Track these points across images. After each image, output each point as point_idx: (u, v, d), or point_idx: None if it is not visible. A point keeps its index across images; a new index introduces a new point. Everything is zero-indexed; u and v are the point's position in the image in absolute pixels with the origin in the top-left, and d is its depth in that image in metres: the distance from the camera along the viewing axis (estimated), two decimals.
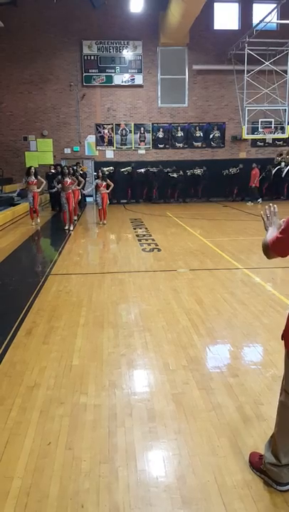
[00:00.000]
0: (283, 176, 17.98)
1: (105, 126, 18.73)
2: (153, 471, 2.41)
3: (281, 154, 18.72)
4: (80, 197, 13.24)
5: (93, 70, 18.16)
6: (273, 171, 18.12)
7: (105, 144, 18.85)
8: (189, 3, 13.90)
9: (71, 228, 11.05)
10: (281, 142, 19.21)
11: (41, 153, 18.46)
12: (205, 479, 2.33)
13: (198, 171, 18.39)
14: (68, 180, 11.02)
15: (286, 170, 17.95)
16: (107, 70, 18.21)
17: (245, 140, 18.76)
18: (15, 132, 18.32)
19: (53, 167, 15.71)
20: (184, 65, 18.59)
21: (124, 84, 18.38)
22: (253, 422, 2.82)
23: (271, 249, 2.08)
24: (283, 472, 2.26)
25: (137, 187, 18.15)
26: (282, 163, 18.17)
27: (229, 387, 3.27)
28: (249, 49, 16.00)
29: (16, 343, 4.14)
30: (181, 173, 18.11)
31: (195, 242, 9.16)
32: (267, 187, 18.20)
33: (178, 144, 19.12)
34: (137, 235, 10.27)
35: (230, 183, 18.41)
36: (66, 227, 11.03)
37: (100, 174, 11.86)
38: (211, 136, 19.21)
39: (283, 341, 2.18)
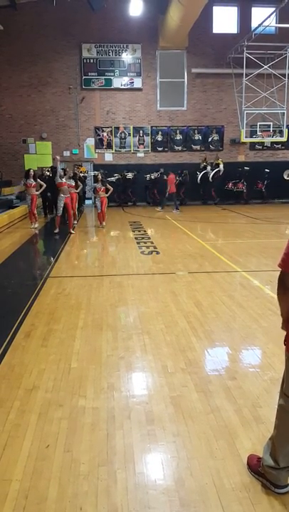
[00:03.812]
0: (211, 179, 17.89)
1: (104, 129, 18.76)
2: (151, 473, 2.42)
3: (205, 158, 18.73)
4: (77, 200, 13.04)
5: (92, 73, 18.20)
6: (200, 176, 18.02)
7: (104, 146, 18.87)
8: (188, 7, 13.95)
9: (72, 231, 10.96)
10: (280, 145, 19.27)
11: (40, 155, 18.46)
12: (203, 482, 2.34)
13: (129, 175, 17.95)
14: (67, 182, 10.81)
15: (212, 173, 17.87)
16: (106, 73, 18.25)
17: (244, 143, 18.80)
18: (14, 135, 18.33)
19: (48, 169, 15.55)
20: (182, 69, 18.64)
21: (123, 87, 18.42)
22: (251, 425, 2.83)
23: (285, 271, 2.08)
24: (281, 475, 2.27)
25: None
26: (208, 168, 18.13)
27: (227, 390, 3.28)
28: (248, 53, 16.05)
29: (14, 345, 4.14)
30: (118, 176, 17.72)
31: (193, 245, 9.17)
32: (184, 191, 17.98)
33: (177, 147, 19.16)
34: (136, 238, 10.28)
35: (153, 187, 17.95)
36: (56, 231, 10.78)
37: (100, 178, 11.84)
38: (209, 139, 19.25)
39: (285, 346, 2.20)
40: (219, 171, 17.97)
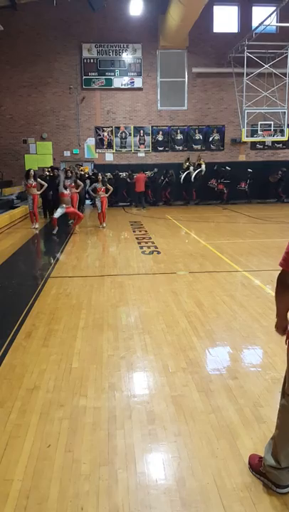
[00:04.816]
0: (192, 180, 17.88)
1: (105, 129, 18.76)
2: (152, 473, 2.41)
3: (188, 159, 18.72)
4: (78, 200, 12.97)
5: (93, 73, 18.21)
6: (182, 176, 18.01)
7: (105, 146, 18.87)
8: (189, 7, 13.94)
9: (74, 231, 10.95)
10: (280, 145, 19.25)
11: (41, 155, 18.48)
12: (204, 482, 2.33)
13: (123, 175, 18.07)
14: (67, 182, 10.83)
15: (194, 174, 17.87)
16: (106, 73, 18.27)
17: (245, 143, 18.79)
18: (14, 135, 18.35)
19: (48, 170, 15.51)
20: (183, 68, 18.64)
21: (123, 87, 18.43)
22: (252, 425, 2.82)
23: (287, 270, 2.09)
24: (283, 475, 2.27)
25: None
26: (191, 168, 18.11)
27: (229, 389, 3.27)
28: (248, 52, 16.04)
29: (15, 345, 4.14)
30: (110, 176, 17.58)
31: (194, 245, 9.17)
32: (170, 191, 18.14)
33: (177, 147, 19.16)
34: (137, 238, 10.28)
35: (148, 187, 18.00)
36: (55, 231, 10.71)
37: (100, 177, 11.86)
38: (210, 139, 19.25)
39: (286, 345, 2.21)
40: (201, 171, 17.98)
